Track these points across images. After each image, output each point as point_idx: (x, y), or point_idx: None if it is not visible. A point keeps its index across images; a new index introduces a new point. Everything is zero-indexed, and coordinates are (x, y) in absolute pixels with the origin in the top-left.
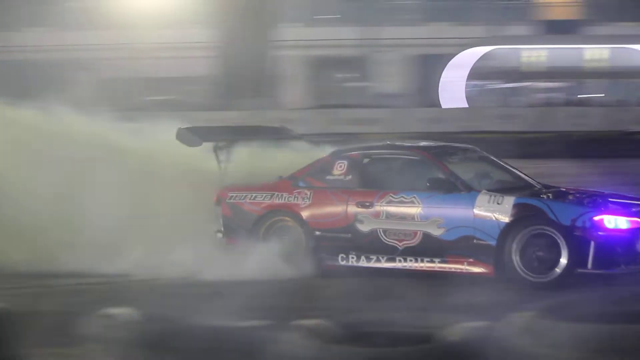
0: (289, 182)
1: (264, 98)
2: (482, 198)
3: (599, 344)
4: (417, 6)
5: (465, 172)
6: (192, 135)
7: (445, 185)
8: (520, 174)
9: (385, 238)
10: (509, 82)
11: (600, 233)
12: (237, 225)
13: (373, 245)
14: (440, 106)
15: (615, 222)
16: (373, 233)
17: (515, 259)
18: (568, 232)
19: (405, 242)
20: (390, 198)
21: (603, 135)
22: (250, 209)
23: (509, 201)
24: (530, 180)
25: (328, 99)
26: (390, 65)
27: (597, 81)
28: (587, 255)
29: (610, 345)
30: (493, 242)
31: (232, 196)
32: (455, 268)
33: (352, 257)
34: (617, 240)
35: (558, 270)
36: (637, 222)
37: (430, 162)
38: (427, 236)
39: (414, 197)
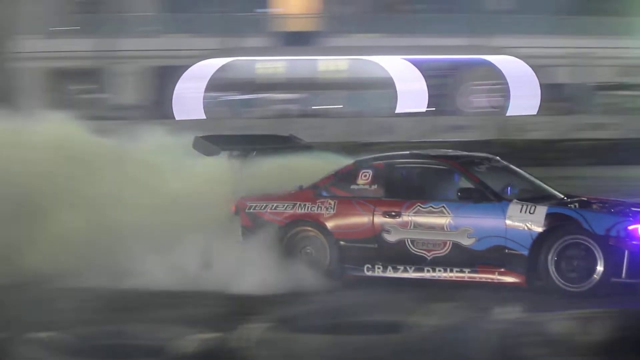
0: (312, 192)
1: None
2: (514, 208)
3: (332, 355)
4: (155, 18)
5: (491, 181)
6: (209, 144)
7: (476, 195)
8: (541, 183)
9: (414, 248)
10: (245, 94)
11: (634, 242)
12: (258, 236)
13: (401, 255)
14: (174, 118)
15: None
16: (401, 243)
17: (551, 268)
18: (603, 242)
19: (434, 252)
20: (419, 208)
21: (340, 146)
22: (272, 219)
23: (542, 211)
24: (552, 189)
25: (66, 111)
26: (127, 77)
27: (335, 92)
28: (622, 264)
29: (341, 356)
30: (525, 252)
31: (252, 206)
32: (486, 278)
33: (379, 268)
34: None
35: (596, 277)
36: None
37: (459, 171)
38: (456, 246)
39: (443, 206)
